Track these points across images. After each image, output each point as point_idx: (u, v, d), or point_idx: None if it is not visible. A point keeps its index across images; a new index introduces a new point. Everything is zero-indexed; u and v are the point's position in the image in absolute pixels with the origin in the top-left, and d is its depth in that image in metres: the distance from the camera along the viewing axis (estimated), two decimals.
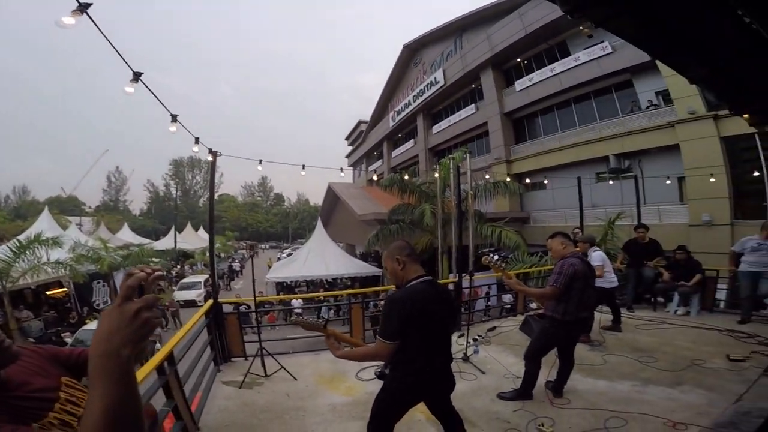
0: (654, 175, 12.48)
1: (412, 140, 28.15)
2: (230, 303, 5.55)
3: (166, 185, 67.06)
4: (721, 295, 6.28)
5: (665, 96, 12.14)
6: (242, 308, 9.16)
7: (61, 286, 13.99)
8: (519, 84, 17.49)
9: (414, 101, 25.25)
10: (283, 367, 3.91)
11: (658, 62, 10.98)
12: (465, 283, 5.81)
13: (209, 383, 3.49)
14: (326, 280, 16.99)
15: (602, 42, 13.57)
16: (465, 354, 4.17)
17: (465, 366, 3.97)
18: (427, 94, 23.41)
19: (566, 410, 2.95)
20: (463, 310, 5.58)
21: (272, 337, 6.88)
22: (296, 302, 11.88)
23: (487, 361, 4.08)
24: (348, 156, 47.00)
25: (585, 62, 14.32)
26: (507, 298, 10.00)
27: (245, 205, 73.42)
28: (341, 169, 6.50)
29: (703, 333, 4.87)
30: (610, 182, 13.61)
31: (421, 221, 12.16)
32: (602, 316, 5.00)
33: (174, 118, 3.94)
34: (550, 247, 3.24)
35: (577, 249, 3.05)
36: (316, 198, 65.03)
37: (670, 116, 11.74)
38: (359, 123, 44.66)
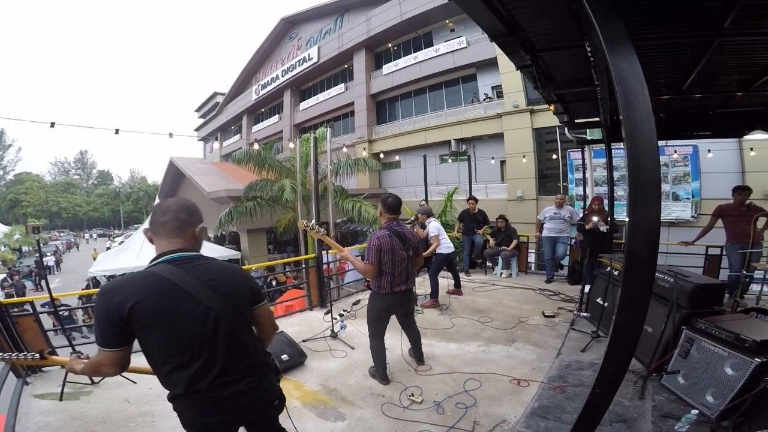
0: (483, 157, 14.73)
1: (277, 115, 26.56)
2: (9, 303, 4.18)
3: None
4: (532, 258, 7.57)
5: (499, 91, 14.33)
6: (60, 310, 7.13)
7: None
8: (386, 68, 18.33)
9: (283, 75, 24.08)
10: None
11: (498, 60, 12.97)
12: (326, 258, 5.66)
13: (14, 399, 2.90)
14: None
15: (460, 37, 15.13)
16: (333, 331, 4.07)
17: (334, 343, 3.88)
18: (298, 69, 22.67)
19: (430, 377, 3.12)
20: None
21: None
22: None
23: (355, 336, 4.05)
24: (198, 129, 41.06)
25: (443, 54, 15.73)
26: None
27: (56, 186, 58.11)
28: (170, 134, 5.45)
29: (523, 292, 5.61)
30: (450, 162, 15.75)
31: (281, 197, 11.50)
32: (446, 281, 5.49)
33: None
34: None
35: (393, 218, 3.04)
36: (157, 176, 55.48)
37: (499, 108, 13.94)
38: (215, 94, 39.71)
